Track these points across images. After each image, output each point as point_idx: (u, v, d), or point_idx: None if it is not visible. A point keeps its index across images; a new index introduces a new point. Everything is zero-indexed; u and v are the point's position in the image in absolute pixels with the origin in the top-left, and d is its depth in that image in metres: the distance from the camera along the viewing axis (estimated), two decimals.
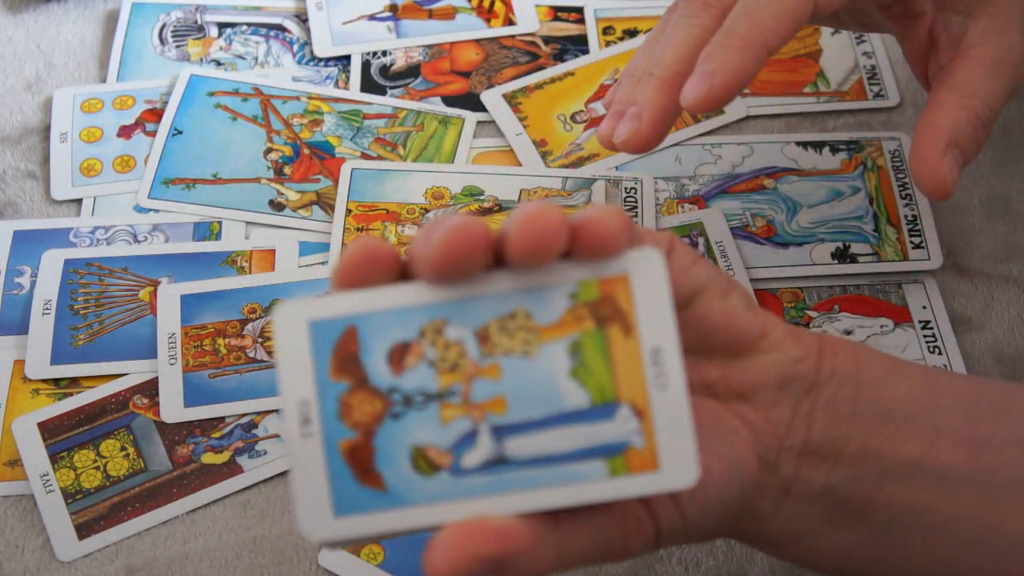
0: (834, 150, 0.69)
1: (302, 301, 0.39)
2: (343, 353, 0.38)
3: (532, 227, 0.37)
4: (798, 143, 0.69)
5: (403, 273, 0.40)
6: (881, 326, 0.63)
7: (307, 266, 0.65)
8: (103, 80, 0.72)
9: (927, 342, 0.62)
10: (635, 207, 0.66)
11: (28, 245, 0.65)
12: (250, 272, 0.64)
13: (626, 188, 0.67)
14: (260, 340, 0.62)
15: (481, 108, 0.71)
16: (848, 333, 0.62)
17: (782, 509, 0.44)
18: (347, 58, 0.73)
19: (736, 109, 0.71)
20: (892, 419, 0.44)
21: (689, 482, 0.38)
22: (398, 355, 0.38)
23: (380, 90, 0.72)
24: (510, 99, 0.71)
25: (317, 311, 0.38)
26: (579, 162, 0.69)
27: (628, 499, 0.39)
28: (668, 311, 0.39)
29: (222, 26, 0.75)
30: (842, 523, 0.44)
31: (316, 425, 0.38)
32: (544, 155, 0.69)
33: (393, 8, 0.76)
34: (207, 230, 0.66)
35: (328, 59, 0.74)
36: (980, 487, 0.44)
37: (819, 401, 0.44)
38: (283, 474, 0.58)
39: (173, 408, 0.59)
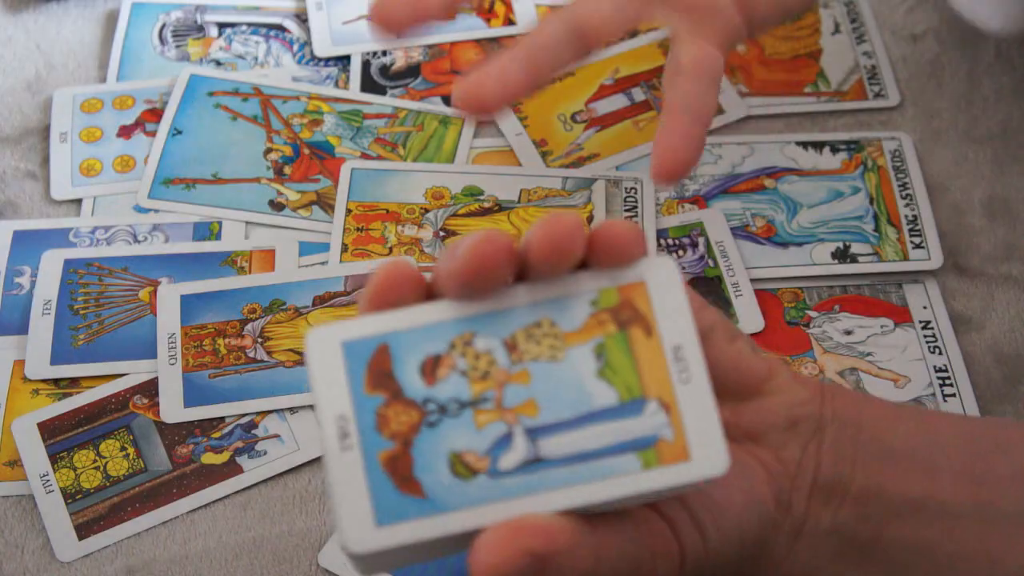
0: (834, 150, 0.69)
1: (333, 326, 0.40)
2: (377, 369, 0.39)
3: (552, 229, 0.39)
4: (798, 143, 0.69)
5: (429, 294, 0.41)
6: (881, 326, 0.63)
7: (307, 266, 0.65)
8: (103, 80, 0.72)
9: (927, 342, 0.62)
10: (635, 207, 0.66)
11: (28, 245, 0.65)
12: (250, 272, 0.64)
13: (626, 188, 0.67)
14: (260, 340, 0.62)
15: None
16: (848, 333, 0.62)
17: (794, 550, 0.45)
18: (347, 58, 0.73)
19: (736, 109, 0.71)
20: (892, 457, 0.45)
21: (720, 469, 0.39)
22: (430, 367, 0.40)
23: (380, 90, 0.72)
24: None
25: (349, 333, 0.40)
26: (579, 162, 0.69)
27: (664, 490, 0.40)
28: (685, 311, 0.40)
29: (222, 26, 0.75)
30: (850, 563, 0.45)
31: (354, 438, 0.39)
32: (544, 155, 0.69)
33: None
34: (207, 230, 0.66)
35: (328, 59, 0.74)
36: (981, 520, 0.44)
37: (824, 441, 0.45)
38: (283, 474, 0.58)
39: (173, 408, 0.59)
